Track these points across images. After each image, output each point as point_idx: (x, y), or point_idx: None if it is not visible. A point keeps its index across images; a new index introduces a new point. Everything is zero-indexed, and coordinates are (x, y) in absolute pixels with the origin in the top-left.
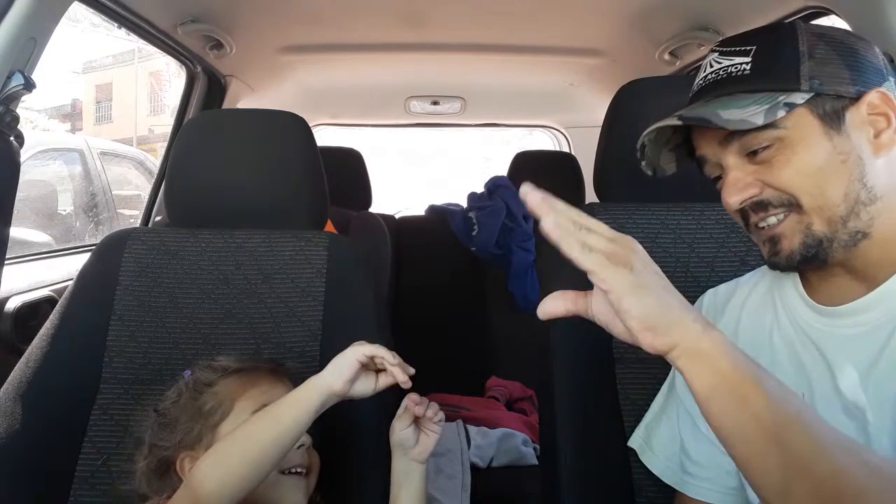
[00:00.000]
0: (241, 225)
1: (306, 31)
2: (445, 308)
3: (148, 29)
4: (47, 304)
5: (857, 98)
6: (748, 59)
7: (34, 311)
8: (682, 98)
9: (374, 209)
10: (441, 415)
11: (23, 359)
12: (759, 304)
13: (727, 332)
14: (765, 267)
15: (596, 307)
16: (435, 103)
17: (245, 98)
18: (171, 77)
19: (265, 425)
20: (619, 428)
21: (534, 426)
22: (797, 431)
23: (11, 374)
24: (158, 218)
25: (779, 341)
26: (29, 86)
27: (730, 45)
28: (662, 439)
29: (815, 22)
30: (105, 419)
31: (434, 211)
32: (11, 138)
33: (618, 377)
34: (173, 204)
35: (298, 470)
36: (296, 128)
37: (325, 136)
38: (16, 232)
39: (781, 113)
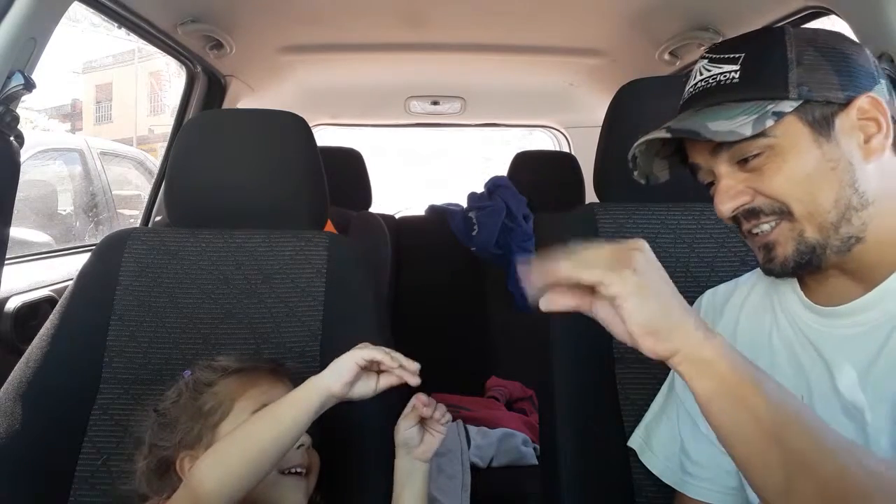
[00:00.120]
0: (241, 225)
1: (306, 31)
2: (445, 308)
3: (148, 29)
4: (47, 304)
5: (846, 103)
6: (736, 68)
7: (34, 311)
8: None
9: (374, 209)
10: (448, 416)
11: (23, 359)
12: (758, 304)
13: (726, 333)
14: None
15: (599, 308)
16: (435, 103)
17: (245, 98)
18: (171, 77)
19: (265, 425)
20: (619, 428)
21: (534, 426)
22: (797, 431)
23: (11, 374)
24: (158, 218)
25: (778, 342)
26: (29, 86)
27: (719, 52)
28: (662, 439)
29: (814, 22)
30: (105, 419)
31: (434, 211)
32: (11, 138)
33: (618, 377)
34: (173, 204)
35: (298, 470)
36: (296, 128)
37: (325, 136)
38: (16, 232)
39: (769, 122)
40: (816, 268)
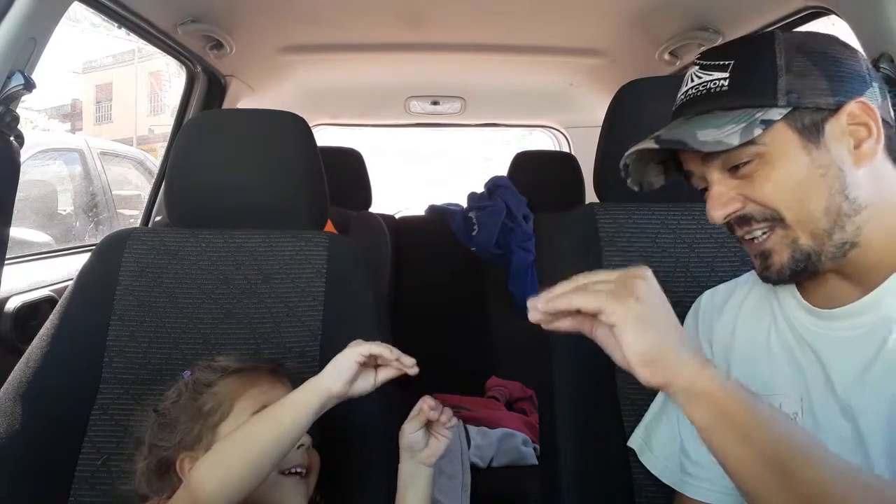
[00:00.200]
0: (241, 225)
1: (306, 31)
2: (445, 308)
3: (148, 29)
4: (47, 304)
5: (836, 109)
6: (726, 75)
7: (34, 311)
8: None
9: (374, 209)
10: (454, 420)
11: (23, 359)
12: (757, 305)
13: (725, 333)
14: None
15: (599, 332)
16: (435, 103)
17: (245, 98)
18: (171, 77)
19: (265, 426)
20: (619, 428)
21: (534, 426)
22: (804, 463)
23: (11, 374)
24: (158, 218)
25: (776, 343)
26: (29, 86)
27: (709, 59)
28: (662, 440)
29: (814, 22)
30: (105, 419)
31: (434, 211)
32: (11, 138)
33: (618, 377)
34: (173, 204)
35: (298, 470)
36: (296, 128)
37: (325, 136)
38: (16, 232)
39: (757, 131)
40: (813, 274)
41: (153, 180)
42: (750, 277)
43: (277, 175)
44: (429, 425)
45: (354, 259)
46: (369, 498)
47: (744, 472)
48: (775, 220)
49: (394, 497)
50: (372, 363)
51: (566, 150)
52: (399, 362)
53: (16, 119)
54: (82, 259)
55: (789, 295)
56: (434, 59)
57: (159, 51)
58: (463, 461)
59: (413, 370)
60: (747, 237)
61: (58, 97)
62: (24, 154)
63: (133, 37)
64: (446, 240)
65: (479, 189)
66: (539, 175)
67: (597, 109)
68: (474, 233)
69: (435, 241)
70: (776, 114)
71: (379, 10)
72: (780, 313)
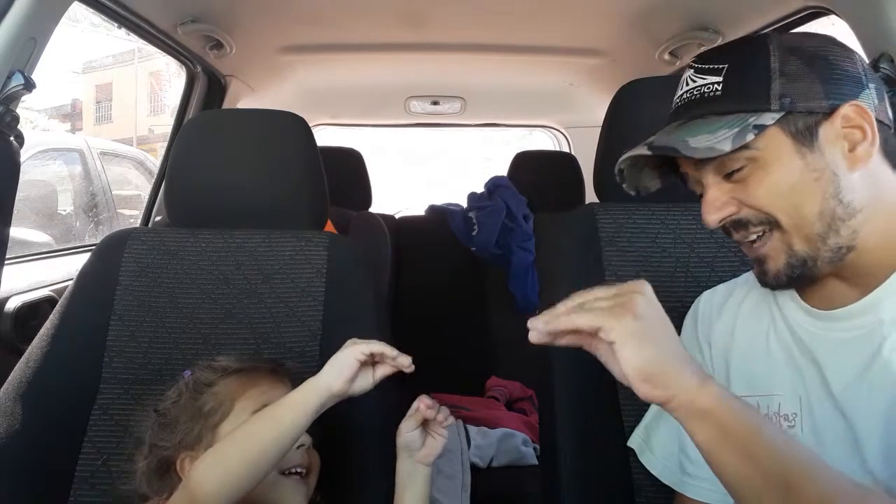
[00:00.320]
0: (241, 225)
1: (306, 31)
2: (445, 308)
3: (148, 29)
4: (47, 304)
5: (830, 112)
6: (719, 79)
7: (34, 311)
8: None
9: (374, 209)
10: (451, 419)
11: (23, 359)
12: (756, 305)
13: (724, 333)
14: None
15: (599, 346)
16: (435, 103)
17: (245, 98)
18: (171, 77)
19: (264, 426)
20: (619, 428)
21: (534, 426)
22: (805, 479)
23: (11, 374)
24: (158, 218)
25: (775, 344)
26: (29, 86)
27: (704, 62)
28: (662, 440)
29: (814, 22)
30: (105, 419)
31: (434, 211)
32: (11, 138)
33: None
34: (173, 204)
35: (298, 470)
36: (296, 128)
37: (325, 136)
38: (16, 232)
39: (750, 136)
40: (810, 279)
41: (153, 180)
42: (749, 277)
43: (277, 175)
44: (426, 424)
45: (354, 259)
46: (369, 498)
47: (744, 488)
48: (771, 223)
49: (393, 497)
50: (370, 361)
51: (566, 150)
52: (396, 361)
53: (16, 119)
54: (82, 259)
55: (788, 296)
56: (434, 59)
57: (159, 51)
58: (463, 461)
59: (409, 368)
60: (743, 241)
61: (58, 97)
62: (24, 154)
63: (133, 37)
64: (446, 240)
65: (479, 189)
66: (539, 175)
67: (597, 109)
68: (474, 233)
69: (435, 241)
70: (769, 118)
71: (379, 10)
72: (779, 314)
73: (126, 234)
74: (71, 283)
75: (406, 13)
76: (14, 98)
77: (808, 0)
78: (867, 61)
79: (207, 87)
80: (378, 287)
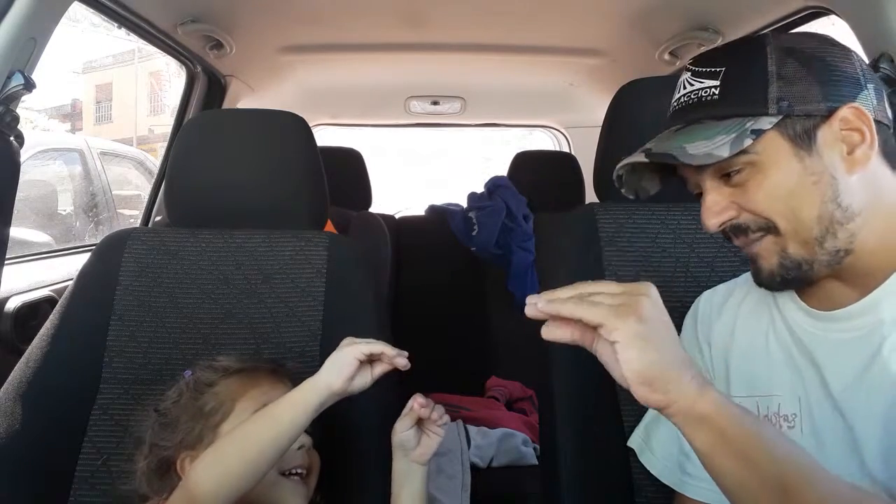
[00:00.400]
0: (241, 225)
1: (306, 31)
2: (445, 308)
3: (148, 29)
4: (47, 304)
5: (829, 115)
6: (717, 83)
7: (34, 311)
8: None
9: (374, 209)
10: (446, 417)
11: (23, 359)
12: (756, 305)
13: (724, 333)
14: None
15: (600, 347)
16: (435, 103)
17: (245, 98)
18: (171, 77)
19: (263, 425)
20: (619, 428)
21: (534, 426)
22: (804, 485)
23: (11, 374)
24: (158, 218)
25: (774, 344)
26: (29, 86)
27: (701, 66)
28: (661, 440)
29: (814, 22)
30: (105, 419)
31: (434, 211)
32: (11, 138)
33: None
34: (173, 204)
35: (299, 471)
36: (296, 128)
37: (325, 136)
38: (16, 232)
39: (748, 141)
40: (807, 282)
41: (153, 180)
42: (749, 278)
43: (277, 175)
44: (421, 423)
45: (354, 259)
46: (368, 498)
47: (742, 493)
48: (769, 228)
49: None
50: (368, 359)
51: (566, 150)
52: (394, 360)
53: (16, 119)
54: (82, 259)
55: (788, 297)
56: (434, 59)
57: (159, 51)
58: (463, 461)
59: (405, 367)
60: (745, 246)
61: (58, 97)
62: (24, 154)
63: (133, 37)
64: (446, 240)
65: (479, 189)
66: (539, 175)
67: (597, 109)
68: (474, 233)
69: (435, 241)
70: (766, 123)
71: (379, 10)
72: (779, 315)
73: (126, 234)
74: (71, 283)
75: (406, 13)
76: (14, 98)
77: (808, 0)
78: (866, 61)
79: (207, 87)
80: (378, 287)
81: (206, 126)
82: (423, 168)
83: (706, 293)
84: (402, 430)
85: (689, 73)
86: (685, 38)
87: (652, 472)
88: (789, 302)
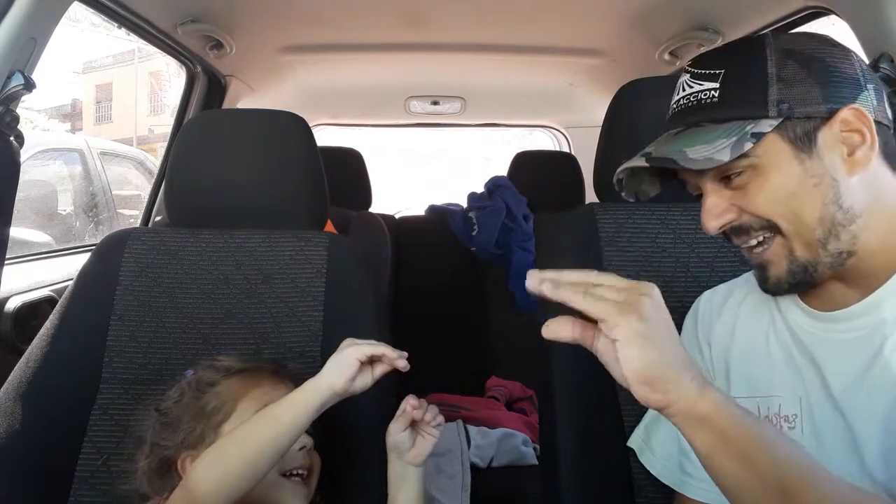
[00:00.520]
0: (241, 225)
1: (306, 31)
2: (445, 308)
3: (148, 29)
4: (47, 304)
5: (829, 116)
6: (716, 85)
7: (34, 311)
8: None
9: (374, 209)
10: (440, 418)
11: (23, 359)
12: (757, 305)
13: (724, 333)
14: None
15: (600, 345)
16: (435, 103)
17: (245, 98)
18: (171, 77)
19: (264, 425)
20: (619, 428)
21: (534, 426)
22: (805, 485)
23: (11, 374)
24: (158, 218)
25: (775, 344)
26: (29, 86)
27: (700, 67)
28: (661, 440)
29: (814, 22)
30: (105, 419)
31: (434, 211)
32: (11, 138)
33: None
34: (173, 204)
35: (300, 472)
36: (296, 128)
37: (325, 136)
38: (16, 232)
39: (748, 145)
40: (811, 285)
41: (153, 180)
42: (749, 278)
43: (277, 175)
44: (415, 425)
45: (354, 259)
46: (368, 498)
47: (742, 494)
48: (772, 228)
49: None
50: (369, 360)
51: (566, 150)
52: (395, 362)
53: (16, 119)
54: (82, 259)
55: (788, 297)
56: (434, 59)
57: (159, 51)
58: (463, 461)
59: (405, 368)
60: (744, 246)
61: (58, 97)
62: (24, 154)
63: (133, 37)
64: (446, 240)
65: (479, 189)
66: (539, 175)
67: (597, 109)
68: (474, 233)
69: (435, 241)
70: (767, 126)
71: (379, 10)
72: (779, 315)
73: (126, 234)
74: (71, 283)
75: (406, 13)
76: (14, 98)
77: (808, 0)
78: (866, 61)
79: (207, 87)
80: (378, 287)
81: (206, 126)
82: (423, 168)
83: (706, 293)
84: (397, 433)
85: (688, 75)
86: (685, 38)
87: (652, 472)
88: (790, 303)
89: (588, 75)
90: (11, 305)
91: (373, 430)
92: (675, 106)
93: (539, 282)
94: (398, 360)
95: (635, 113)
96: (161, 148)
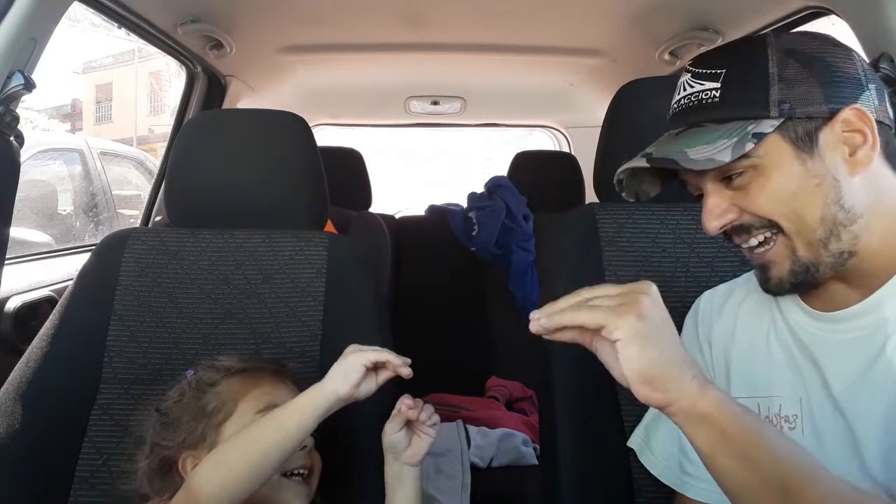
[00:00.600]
0: (241, 225)
1: (306, 31)
2: (445, 308)
3: (148, 29)
4: (47, 304)
5: (830, 117)
6: (717, 85)
7: (34, 311)
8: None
9: (374, 209)
10: (436, 417)
11: (23, 359)
12: (757, 305)
13: (725, 333)
14: None
15: (599, 345)
16: (435, 103)
17: (245, 98)
18: (171, 77)
19: (269, 429)
20: (619, 428)
21: (534, 426)
22: (805, 484)
23: (11, 374)
24: (158, 218)
25: (775, 344)
26: (29, 86)
27: (701, 67)
28: (661, 440)
29: (814, 22)
30: (105, 419)
31: (434, 211)
32: (11, 138)
33: None
34: (173, 204)
35: (301, 471)
36: (296, 128)
37: (325, 136)
38: (16, 232)
39: (749, 145)
40: (812, 286)
41: (153, 180)
42: (750, 278)
43: (277, 175)
44: (411, 424)
45: (354, 259)
46: (368, 498)
47: (743, 493)
48: (773, 227)
49: None
50: (373, 366)
51: (566, 150)
52: (399, 369)
53: (16, 119)
54: (82, 259)
55: (789, 297)
56: (434, 59)
57: (159, 51)
58: (463, 461)
59: (408, 376)
60: (744, 245)
61: (58, 97)
62: (24, 154)
63: (133, 37)
64: (446, 240)
65: (479, 189)
66: (539, 175)
67: (597, 109)
68: (474, 233)
69: (435, 241)
70: (768, 126)
71: (379, 10)
72: (780, 315)
73: (126, 234)
74: (71, 283)
75: (406, 13)
76: (14, 98)
77: (809, 0)
78: (867, 61)
79: (207, 87)
80: (378, 287)
81: (206, 126)
82: (423, 168)
83: (706, 293)
84: (392, 432)
85: (689, 75)
86: (685, 38)
87: (652, 472)
88: (790, 303)
89: (588, 75)
90: (11, 305)
91: (373, 430)
92: (675, 106)
93: (536, 321)
94: (402, 367)
95: (635, 113)
96: (161, 148)
